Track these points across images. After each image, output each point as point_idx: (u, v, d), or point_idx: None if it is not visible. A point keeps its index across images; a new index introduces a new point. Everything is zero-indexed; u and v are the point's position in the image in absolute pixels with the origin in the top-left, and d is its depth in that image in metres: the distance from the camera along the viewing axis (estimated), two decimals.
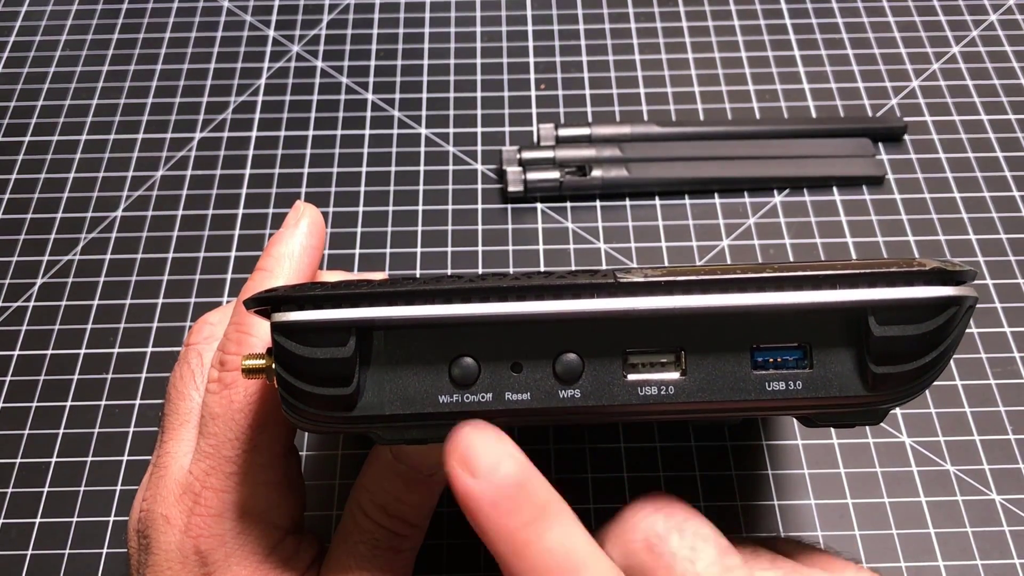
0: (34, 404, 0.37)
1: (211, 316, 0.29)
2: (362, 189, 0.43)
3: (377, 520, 0.25)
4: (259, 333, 0.26)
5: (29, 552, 0.34)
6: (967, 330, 0.38)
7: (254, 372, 0.22)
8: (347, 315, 0.20)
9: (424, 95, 0.46)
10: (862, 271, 0.20)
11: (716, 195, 0.42)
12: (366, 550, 0.25)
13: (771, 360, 0.21)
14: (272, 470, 0.25)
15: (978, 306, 0.38)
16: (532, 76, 0.47)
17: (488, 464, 0.20)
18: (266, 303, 0.21)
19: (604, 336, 0.20)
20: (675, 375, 0.21)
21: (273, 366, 0.21)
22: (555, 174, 0.42)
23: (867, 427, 0.36)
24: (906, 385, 0.20)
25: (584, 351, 0.20)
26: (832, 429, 0.35)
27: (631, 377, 0.21)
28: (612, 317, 0.20)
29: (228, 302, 0.36)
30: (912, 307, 0.20)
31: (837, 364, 0.20)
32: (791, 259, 0.40)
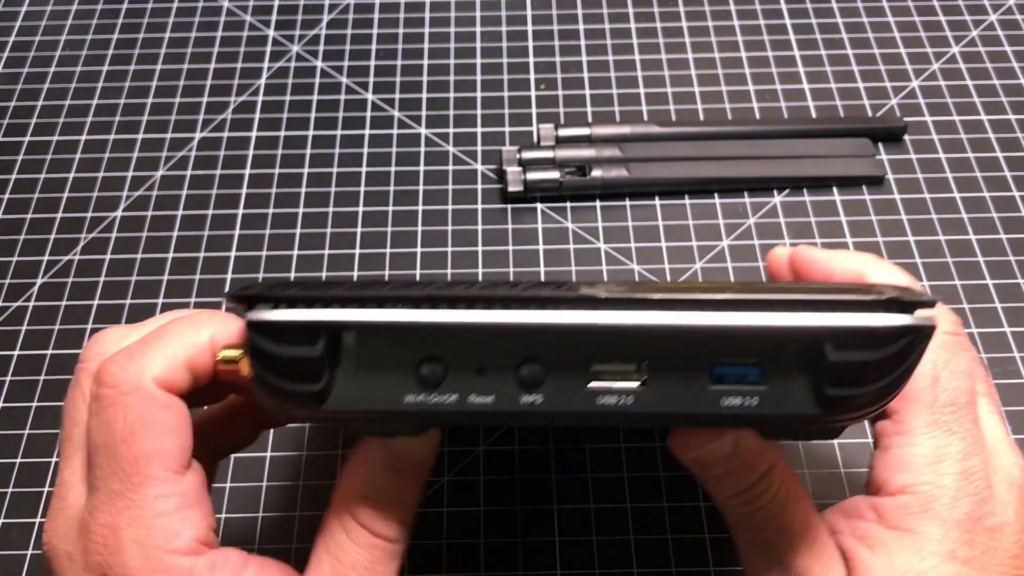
0: (34, 404, 0.37)
1: (109, 333, 0.26)
2: (362, 189, 0.43)
3: (375, 530, 0.24)
4: (156, 357, 0.23)
5: (29, 552, 0.34)
6: (967, 330, 0.38)
7: (229, 363, 0.23)
8: (317, 317, 0.20)
9: (424, 95, 0.46)
10: (819, 296, 0.20)
11: (716, 195, 0.42)
12: (366, 562, 0.24)
13: (729, 376, 0.21)
14: (166, 500, 0.23)
15: (978, 306, 0.39)
16: (532, 76, 0.47)
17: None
18: (242, 300, 0.21)
19: (567, 346, 0.21)
20: (634, 386, 0.21)
21: (247, 360, 0.21)
22: (555, 174, 0.42)
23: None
24: (861, 408, 0.20)
25: (547, 360, 0.21)
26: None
27: (592, 385, 0.21)
28: (573, 330, 0.20)
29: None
30: (867, 335, 0.20)
31: (793, 384, 0.21)
32: None
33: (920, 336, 0.20)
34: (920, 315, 0.20)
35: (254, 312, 0.21)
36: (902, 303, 0.20)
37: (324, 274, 0.40)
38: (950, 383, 0.23)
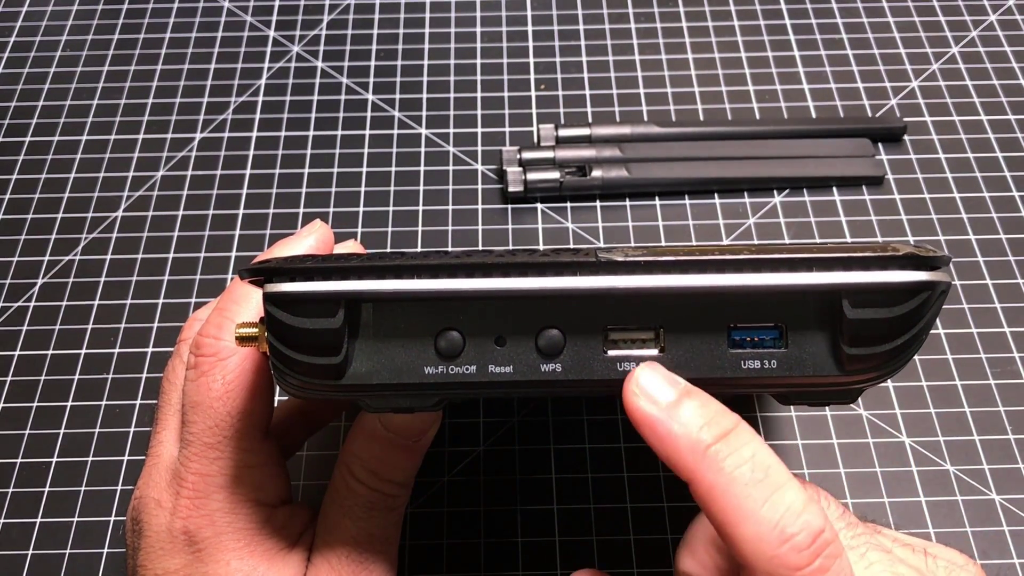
0: (35, 404, 0.37)
1: (200, 312, 0.29)
2: (362, 189, 0.43)
3: (370, 484, 0.26)
4: (240, 318, 0.26)
5: (30, 552, 0.34)
6: (967, 330, 0.38)
7: (247, 340, 0.23)
8: (336, 287, 0.20)
9: (424, 95, 0.46)
10: (837, 255, 0.20)
11: (716, 195, 0.42)
12: (362, 512, 0.26)
13: (747, 339, 0.21)
14: (253, 453, 0.26)
15: (978, 306, 0.39)
16: (532, 76, 0.47)
17: (669, 390, 0.20)
18: (259, 274, 0.21)
19: (585, 313, 0.21)
20: (654, 352, 0.21)
21: (265, 335, 0.21)
22: (555, 174, 0.42)
23: (866, 427, 0.36)
24: (879, 367, 0.21)
25: (566, 327, 0.21)
26: (831, 428, 0.36)
27: (611, 353, 0.21)
28: (592, 295, 0.21)
29: None
30: (885, 291, 0.20)
31: (812, 344, 0.21)
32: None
33: (936, 292, 0.20)
34: (936, 272, 0.20)
35: (272, 285, 0.21)
36: (918, 259, 0.20)
37: None
38: None
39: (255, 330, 0.23)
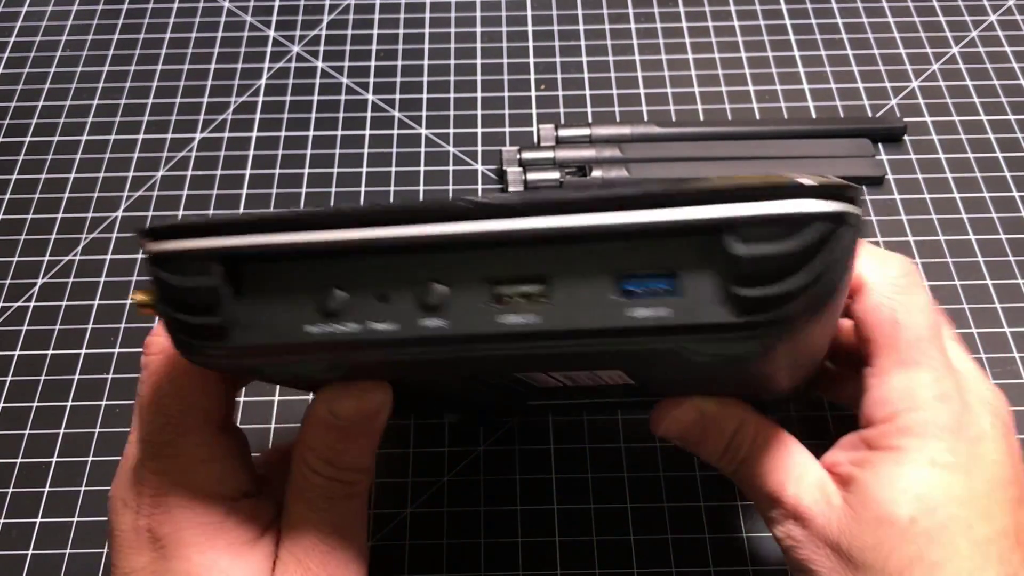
0: (35, 404, 0.37)
1: None
2: (362, 190, 0.43)
3: (326, 474, 0.26)
4: None
5: (30, 552, 0.34)
6: (967, 330, 0.38)
7: (144, 307, 0.22)
8: (210, 244, 0.20)
9: (424, 95, 0.46)
10: (722, 187, 0.18)
11: None
12: (323, 503, 0.26)
13: (637, 288, 0.19)
14: (209, 448, 0.26)
15: (978, 306, 0.39)
16: (532, 76, 0.47)
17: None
18: (145, 235, 0.21)
19: (468, 265, 0.20)
20: (540, 303, 0.20)
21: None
22: (555, 175, 0.42)
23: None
24: (777, 309, 0.19)
25: (449, 280, 0.20)
26: (830, 427, 0.36)
27: (497, 306, 0.20)
28: (466, 240, 0.20)
29: None
30: (771, 223, 0.18)
31: (703, 288, 0.19)
32: None
33: (842, 224, 0.18)
34: (835, 202, 0.18)
35: (151, 244, 0.20)
36: (806, 188, 0.18)
37: None
38: (909, 321, 0.26)
39: (150, 296, 0.22)
